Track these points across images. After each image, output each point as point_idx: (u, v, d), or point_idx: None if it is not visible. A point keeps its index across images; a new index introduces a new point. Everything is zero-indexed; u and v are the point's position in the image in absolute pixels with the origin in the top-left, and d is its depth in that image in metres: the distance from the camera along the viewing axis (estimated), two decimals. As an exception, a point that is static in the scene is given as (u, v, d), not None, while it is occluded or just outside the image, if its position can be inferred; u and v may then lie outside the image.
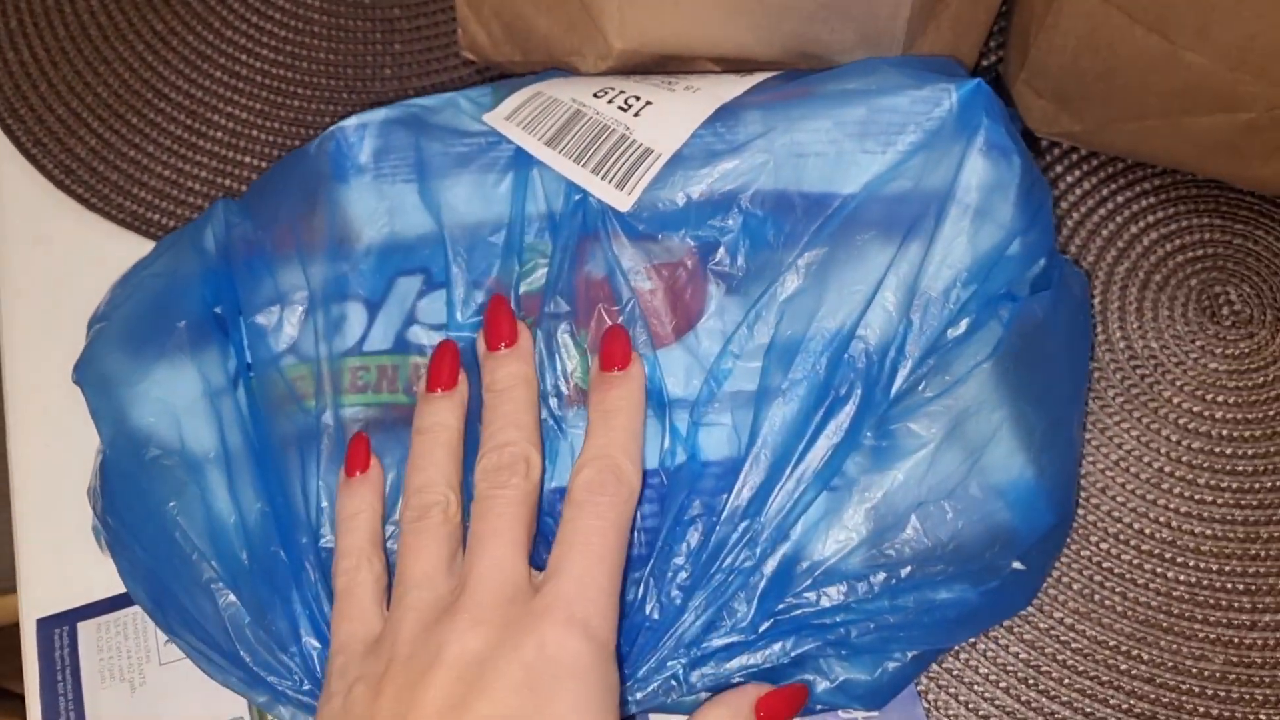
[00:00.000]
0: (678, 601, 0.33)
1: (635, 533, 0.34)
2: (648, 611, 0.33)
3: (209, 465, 0.35)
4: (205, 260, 0.39)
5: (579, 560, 0.32)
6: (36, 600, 0.43)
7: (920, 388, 0.34)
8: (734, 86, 0.37)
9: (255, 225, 0.39)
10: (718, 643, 0.34)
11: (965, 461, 0.34)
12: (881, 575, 0.34)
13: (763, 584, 0.34)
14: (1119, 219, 0.45)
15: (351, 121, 0.38)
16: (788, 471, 0.33)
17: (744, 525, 0.33)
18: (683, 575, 0.33)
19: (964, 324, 0.35)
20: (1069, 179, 0.45)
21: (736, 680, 0.34)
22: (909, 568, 0.34)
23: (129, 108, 0.49)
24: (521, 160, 0.36)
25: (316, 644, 0.34)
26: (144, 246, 0.46)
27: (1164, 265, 0.44)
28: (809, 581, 0.34)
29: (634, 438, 0.34)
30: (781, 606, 0.34)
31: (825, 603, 0.34)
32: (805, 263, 0.34)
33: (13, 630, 0.43)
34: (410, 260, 0.37)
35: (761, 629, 0.34)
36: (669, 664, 0.34)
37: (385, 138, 0.38)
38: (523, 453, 0.34)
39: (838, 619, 0.34)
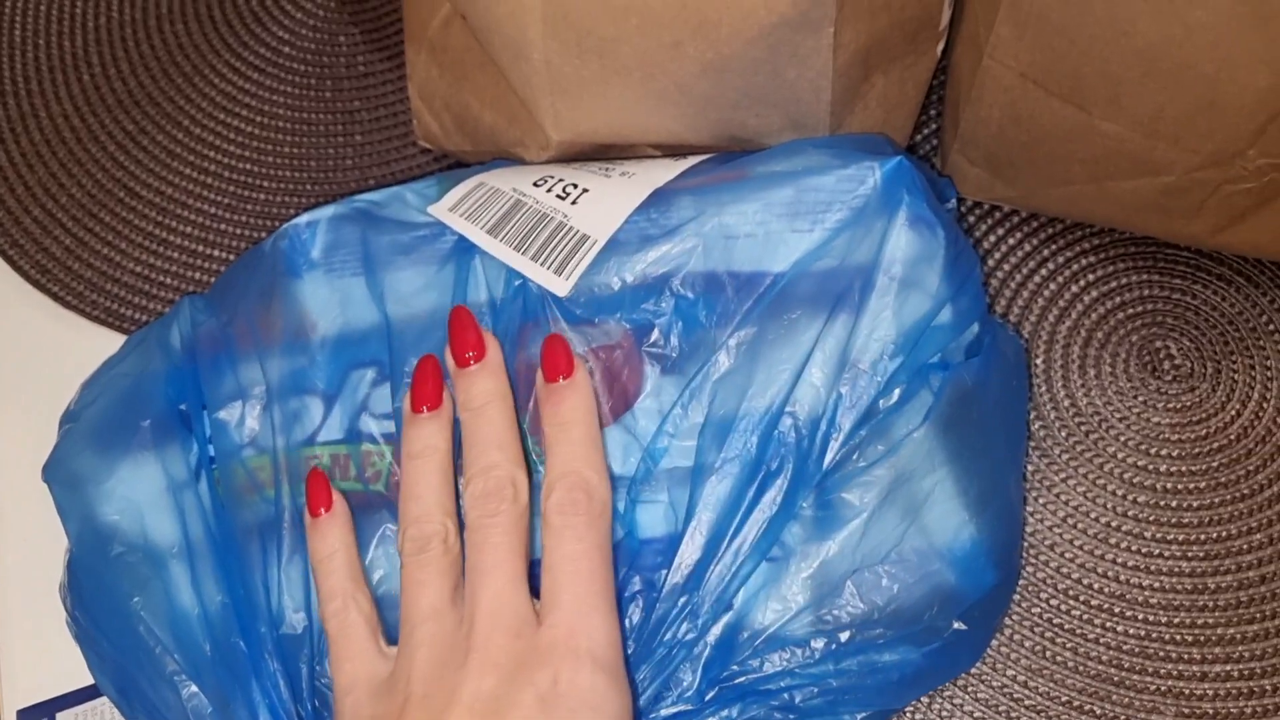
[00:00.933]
0: (622, 676, 0.34)
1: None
2: (594, 687, 0.34)
3: (172, 559, 0.37)
4: (171, 358, 0.41)
5: (572, 590, 0.33)
6: (18, 691, 0.44)
7: (855, 458, 0.36)
8: (667, 171, 0.39)
9: (219, 322, 0.40)
10: (666, 712, 0.35)
11: (900, 526, 0.35)
12: (823, 641, 0.35)
13: (707, 653, 0.35)
14: (1060, 279, 0.46)
15: (303, 219, 0.40)
16: (724, 545, 0.34)
17: (683, 600, 0.34)
18: (627, 650, 0.34)
19: (896, 394, 0.36)
20: (1010, 241, 0.47)
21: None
22: (849, 632, 0.35)
23: (102, 207, 0.50)
24: (464, 249, 0.38)
25: (275, 731, 0.35)
26: (117, 341, 0.48)
27: (1105, 323, 0.45)
28: (751, 649, 0.35)
29: (594, 446, 0.35)
30: (726, 674, 0.35)
31: (769, 669, 0.35)
32: (736, 342, 0.35)
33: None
34: (362, 353, 0.38)
35: (708, 697, 0.35)
36: (619, 737, 0.35)
37: (335, 233, 0.39)
38: (509, 475, 0.34)
39: (782, 684, 0.35)
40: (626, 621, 0.34)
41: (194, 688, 0.35)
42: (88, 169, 0.51)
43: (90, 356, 0.45)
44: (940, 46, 0.43)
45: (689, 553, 0.34)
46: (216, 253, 0.49)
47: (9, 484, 0.47)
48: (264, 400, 0.38)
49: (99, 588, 0.36)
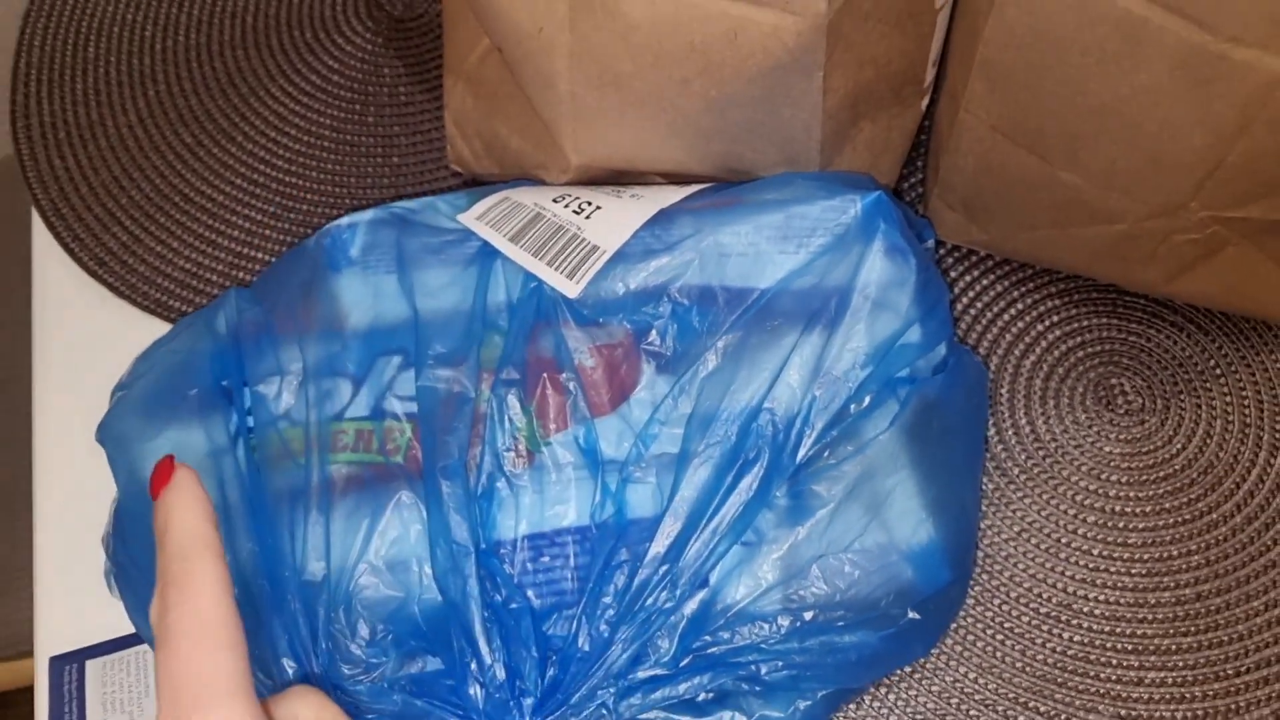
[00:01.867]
0: (605, 635, 0.38)
1: (568, 574, 0.39)
2: (579, 644, 0.38)
3: (208, 512, 0.41)
4: (216, 340, 0.45)
5: None
6: (51, 640, 0.48)
7: (826, 454, 0.40)
8: (672, 195, 0.43)
9: (262, 310, 0.45)
10: (643, 674, 0.38)
11: (863, 519, 0.39)
12: (788, 619, 0.39)
13: (683, 624, 0.39)
14: (1027, 318, 0.50)
15: (344, 220, 0.45)
16: (703, 523, 0.38)
17: (664, 569, 0.38)
18: (610, 612, 0.38)
19: (866, 400, 0.40)
20: (984, 282, 0.51)
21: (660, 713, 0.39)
22: (812, 613, 0.39)
23: (158, 209, 0.55)
24: (487, 254, 0.42)
25: (292, 664, 0.38)
26: (165, 330, 0.52)
27: (1066, 360, 0.49)
28: (723, 621, 0.39)
29: None
30: (699, 644, 0.39)
31: (739, 641, 0.39)
32: (723, 345, 0.40)
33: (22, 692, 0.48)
34: (390, 342, 0.42)
35: (682, 664, 0.39)
36: (599, 693, 0.38)
37: (373, 235, 0.44)
38: None
39: (750, 658, 0.39)
40: (612, 586, 0.38)
41: (222, 625, 0.39)
42: (147, 175, 0.56)
43: (139, 343, 0.50)
44: (925, 102, 0.48)
45: (670, 525, 0.38)
46: (260, 255, 0.54)
47: (58, 455, 0.51)
48: (300, 378, 0.42)
49: (142, 531, 0.40)
